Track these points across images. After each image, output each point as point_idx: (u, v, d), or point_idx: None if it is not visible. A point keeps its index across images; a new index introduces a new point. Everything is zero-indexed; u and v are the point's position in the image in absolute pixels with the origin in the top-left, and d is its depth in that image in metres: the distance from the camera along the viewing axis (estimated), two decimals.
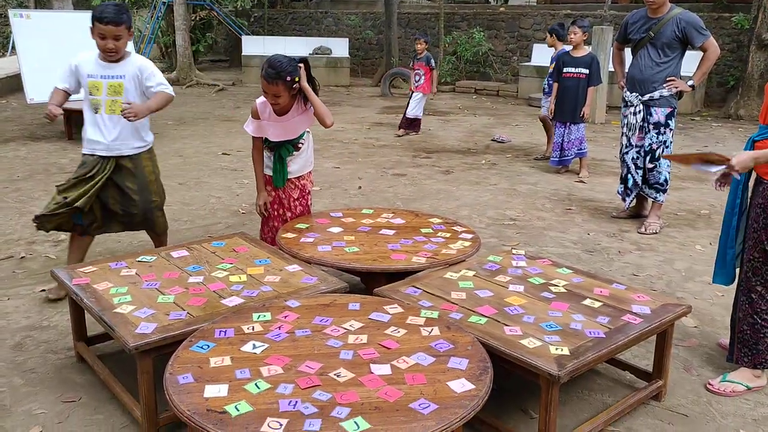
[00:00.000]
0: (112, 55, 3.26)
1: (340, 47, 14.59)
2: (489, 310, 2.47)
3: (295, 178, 3.56)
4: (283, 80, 3.15)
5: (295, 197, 3.59)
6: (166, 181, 5.90)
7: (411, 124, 8.64)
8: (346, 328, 2.24)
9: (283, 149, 3.47)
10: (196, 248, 3.11)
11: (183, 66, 13.61)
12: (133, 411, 2.36)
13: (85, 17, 8.34)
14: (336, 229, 3.38)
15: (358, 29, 16.33)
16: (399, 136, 8.50)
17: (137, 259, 2.94)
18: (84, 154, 3.41)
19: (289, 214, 3.59)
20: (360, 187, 5.94)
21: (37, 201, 5.18)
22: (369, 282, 2.98)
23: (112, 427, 2.39)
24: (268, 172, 3.56)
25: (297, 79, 3.20)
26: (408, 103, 8.59)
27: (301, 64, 3.26)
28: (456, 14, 15.12)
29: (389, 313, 2.36)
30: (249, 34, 15.78)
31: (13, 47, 15.19)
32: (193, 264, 2.90)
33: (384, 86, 12.87)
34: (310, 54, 14.15)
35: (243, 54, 14.40)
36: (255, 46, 14.43)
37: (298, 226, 3.43)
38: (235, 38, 16.37)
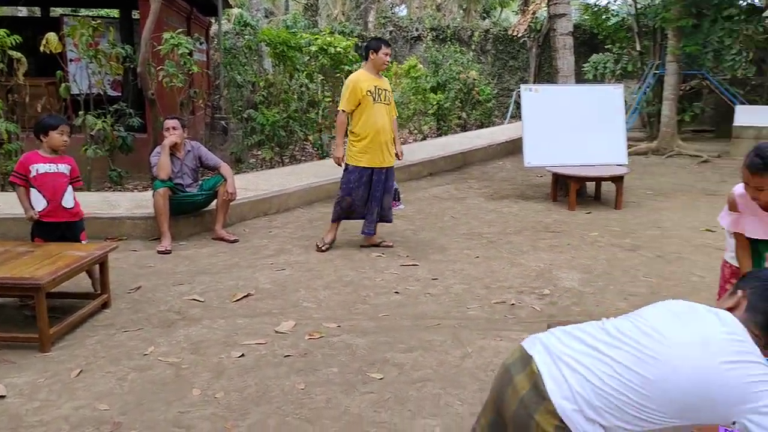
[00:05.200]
0: None
1: None
2: None
3: None
4: None
5: None
6: (644, 252, 5.87)
7: None
8: None
9: (762, 243, 2.99)
10: None
11: (665, 135, 13.32)
12: None
13: (588, 90, 8.98)
14: None
15: None
16: None
17: None
18: None
19: None
20: None
21: (525, 254, 5.72)
22: None
23: None
24: (734, 262, 3.11)
25: None
26: None
27: None
28: None
29: None
30: (744, 103, 14.51)
31: (512, 116, 17.40)
32: None
33: None
34: None
35: (734, 125, 13.28)
36: (750, 116, 13.15)
37: None
38: (725, 107, 15.27)
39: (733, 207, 3.08)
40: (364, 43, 6.18)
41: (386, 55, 5.59)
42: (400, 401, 3.15)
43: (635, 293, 4.76)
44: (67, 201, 4.52)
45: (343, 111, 5.58)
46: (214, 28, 14.44)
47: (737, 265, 3.12)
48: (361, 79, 5.58)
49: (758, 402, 1.52)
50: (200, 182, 6.19)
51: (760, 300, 1.71)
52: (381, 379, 3.38)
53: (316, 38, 10.48)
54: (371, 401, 3.15)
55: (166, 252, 5.60)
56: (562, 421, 1.62)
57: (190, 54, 8.25)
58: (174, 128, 5.91)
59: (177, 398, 3.16)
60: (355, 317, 4.25)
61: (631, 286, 4.92)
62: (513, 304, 4.52)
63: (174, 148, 5.91)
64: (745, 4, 13.86)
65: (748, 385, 1.52)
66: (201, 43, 9.93)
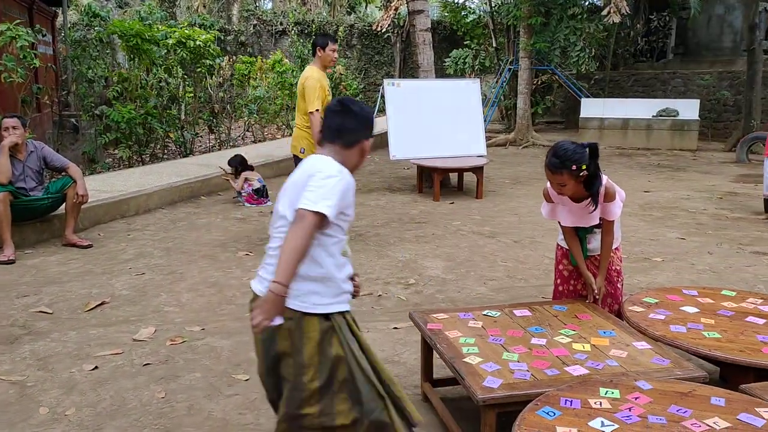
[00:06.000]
0: None
1: (688, 109, 13.57)
2: None
3: (596, 255, 3.30)
4: (568, 169, 2.93)
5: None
6: (502, 238, 6.21)
7: None
8: (709, 425, 2.00)
9: (581, 229, 3.26)
10: (537, 309, 3.14)
11: (521, 127, 14.15)
12: None
13: (447, 85, 9.30)
14: (691, 309, 3.08)
15: (711, 90, 15.02)
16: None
17: (483, 313, 3.08)
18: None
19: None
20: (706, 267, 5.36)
21: (392, 246, 5.84)
22: (731, 375, 2.63)
23: None
24: (564, 244, 3.37)
25: (584, 167, 2.94)
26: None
27: (588, 149, 2.96)
28: None
29: (764, 418, 2.04)
30: (588, 97, 15.72)
31: (379, 110, 17.66)
32: (535, 325, 2.92)
33: (740, 152, 11.53)
34: (653, 116, 13.48)
35: (581, 116, 14.37)
36: (594, 108, 14.29)
37: (646, 300, 3.22)
38: (572, 100, 16.47)
39: (548, 198, 3.30)
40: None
41: (333, 51, 5.52)
42: (265, 400, 3.09)
43: (493, 277, 5.01)
44: None
45: (318, 111, 5.32)
46: (61, 19, 13.38)
47: (567, 247, 3.37)
48: (321, 77, 5.49)
49: (314, 176, 2.09)
50: (46, 185, 5.74)
51: (326, 129, 2.27)
52: (247, 380, 3.32)
53: (174, 31, 10.03)
54: (236, 404, 3.09)
55: (9, 262, 5.14)
56: (255, 294, 2.20)
57: (32, 46, 7.60)
58: (14, 127, 5.43)
59: (21, 419, 2.92)
60: (220, 319, 4.13)
61: (490, 271, 5.18)
62: (380, 295, 4.60)
63: (14, 149, 5.43)
64: (587, 3, 15.00)
65: (311, 173, 2.11)
66: (44, 35, 9.17)
